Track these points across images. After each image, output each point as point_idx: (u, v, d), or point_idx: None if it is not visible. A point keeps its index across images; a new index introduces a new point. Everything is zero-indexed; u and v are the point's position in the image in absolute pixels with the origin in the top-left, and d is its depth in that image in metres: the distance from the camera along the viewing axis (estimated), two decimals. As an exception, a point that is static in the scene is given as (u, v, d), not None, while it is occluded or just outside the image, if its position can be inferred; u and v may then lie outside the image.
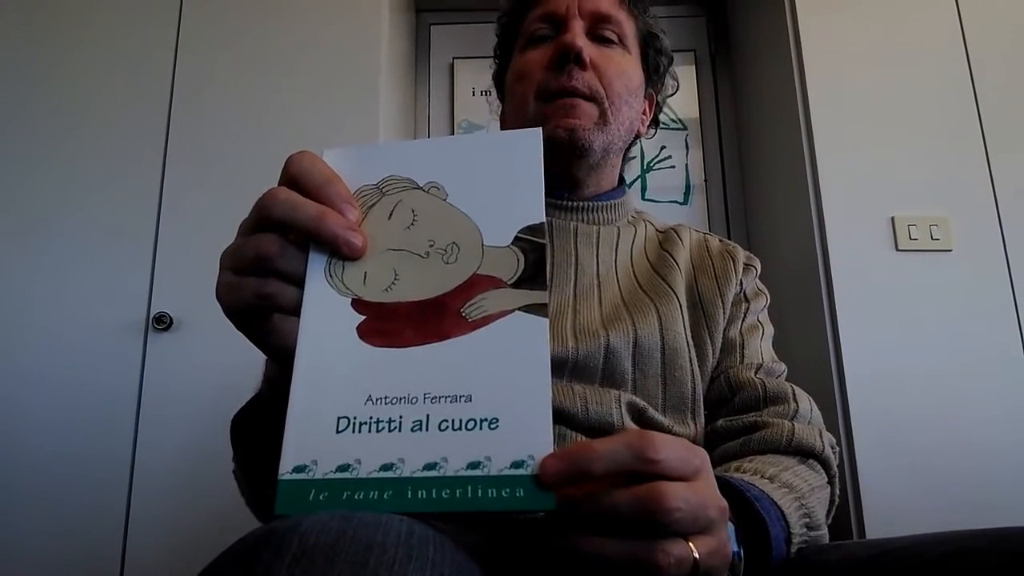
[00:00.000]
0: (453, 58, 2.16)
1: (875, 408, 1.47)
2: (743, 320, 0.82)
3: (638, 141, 0.93)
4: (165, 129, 1.64)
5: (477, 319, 0.39)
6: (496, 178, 0.43)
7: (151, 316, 1.53)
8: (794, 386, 0.76)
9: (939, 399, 1.47)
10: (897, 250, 1.57)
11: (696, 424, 0.73)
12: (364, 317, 0.40)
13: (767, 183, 1.90)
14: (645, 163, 2.04)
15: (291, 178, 0.44)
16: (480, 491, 0.34)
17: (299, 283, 0.42)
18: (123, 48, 1.69)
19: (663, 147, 2.05)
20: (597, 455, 0.36)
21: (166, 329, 1.52)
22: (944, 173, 1.60)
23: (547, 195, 0.83)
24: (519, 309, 0.39)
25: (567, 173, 0.82)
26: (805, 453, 0.67)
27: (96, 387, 1.50)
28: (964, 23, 1.69)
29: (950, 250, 1.56)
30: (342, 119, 1.65)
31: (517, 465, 0.35)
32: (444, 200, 0.43)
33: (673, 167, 2.05)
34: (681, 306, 0.78)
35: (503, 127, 0.91)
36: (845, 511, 1.45)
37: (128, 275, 1.56)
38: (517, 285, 0.40)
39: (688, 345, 0.75)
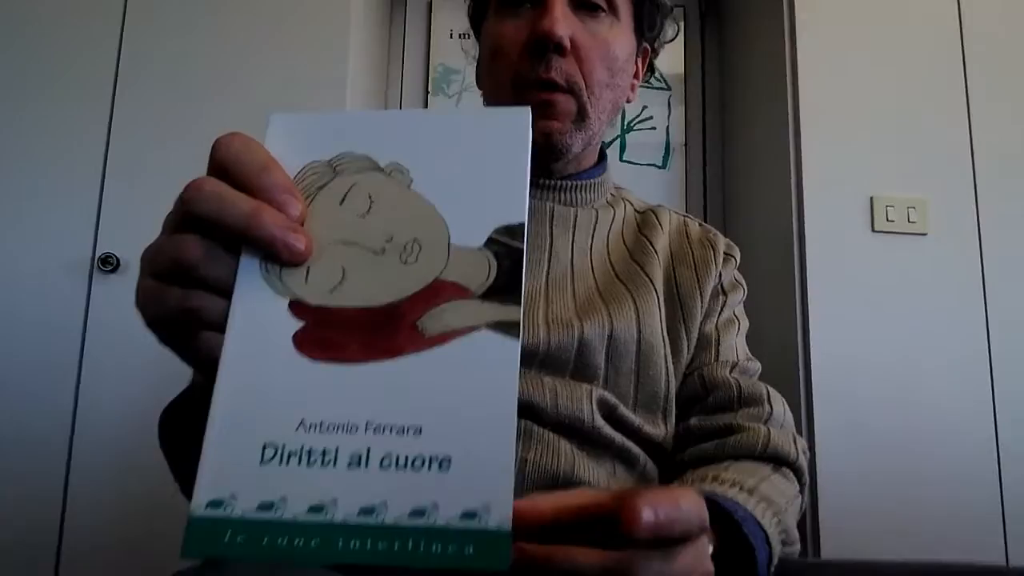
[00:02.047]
0: (431, -3, 2.04)
1: (838, 389, 1.47)
2: (720, 314, 0.78)
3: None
4: (115, 59, 1.52)
5: (436, 335, 0.33)
6: (472, 164, 0.36)
7: (96, 257, 1.44)
8: (768, 387, 0.73)
9: (903, 385, 1.47)
10: (873, 231, 1.54)
11: (667, 424, 0.70)
12: (303, 323, 0.33)
13: (748, 151, 1.86)
14: (625, 123, 1.98)
15: (220, 165, 0.35)
16: (423, 544, 0.29)
17: (229, 293, 0.34)
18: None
19: (645, 107, 1.99)
20: (575, 517, 0.31)
21: (113, 271, 1.43)
22: (927, 154, 1.57)
23: None
24: (486, 326, 0.33)
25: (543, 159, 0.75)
26: (779, 460, 0.64)
27: (37, 329, 1.43)
28: (960, 1, 1.64)
29: (925, 234, 1.54)
30: (308, 63, 1.55)
31: (469, 516, 0.29)
32: (408, 187, 0.36)
33: (654, 128, 1.98)
34: (659, 297, 0.73)
35: (479, 84, 0.83)
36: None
37: (72, 213, 1.46)
38: (486, 297, 0.34)
39: (664, 341, 0.71)
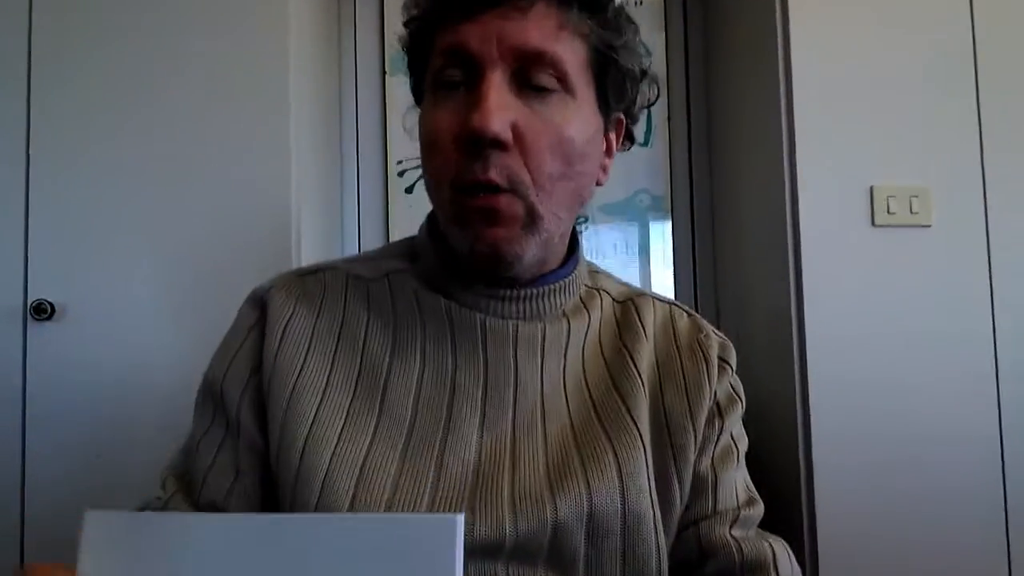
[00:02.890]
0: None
1: (836, 400, 1.38)
2: (716, 444, 0.69)
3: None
4: (26, 75, 1.35)
5: None
6: None
7: (29, 305, 1.31)
8: (773, 543, 0.65)
9: (905, 391, 1.39)
10: (873, 225, 1.42)
11: None
12: None
13: (736, 130, 1.71)
14: (603, 98, 1.82)
15: None
16: None
17: None
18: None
19: (623, 79, 1.82)
20: None
21: (48, 318, 1.31)
22: (931, 141, 1.43)
23: (478, 281, 0.66)
24: None
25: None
26: None
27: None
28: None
29: (928, 226, 1.43)
30: (241, 55, 1.37)
31: None
32: None
33: (634, 103, 1.82)
34: (644, 446, 0.64)
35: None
36: (797, 501, 1.39)
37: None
38: None
39: (652, 503, 0.62)
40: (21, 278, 1.32)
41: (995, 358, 1.41)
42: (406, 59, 0.69)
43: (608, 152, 0.70)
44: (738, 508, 0.68)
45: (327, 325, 0.66)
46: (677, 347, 0.71)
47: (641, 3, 1.82)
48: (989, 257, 1.42)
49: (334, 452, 0.59)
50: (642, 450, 0.63)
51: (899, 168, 1.43)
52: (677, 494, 0.65)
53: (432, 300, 0.66)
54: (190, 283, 1.36)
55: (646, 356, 0.69)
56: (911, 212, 1.42)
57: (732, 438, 0.71)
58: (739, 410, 0.72)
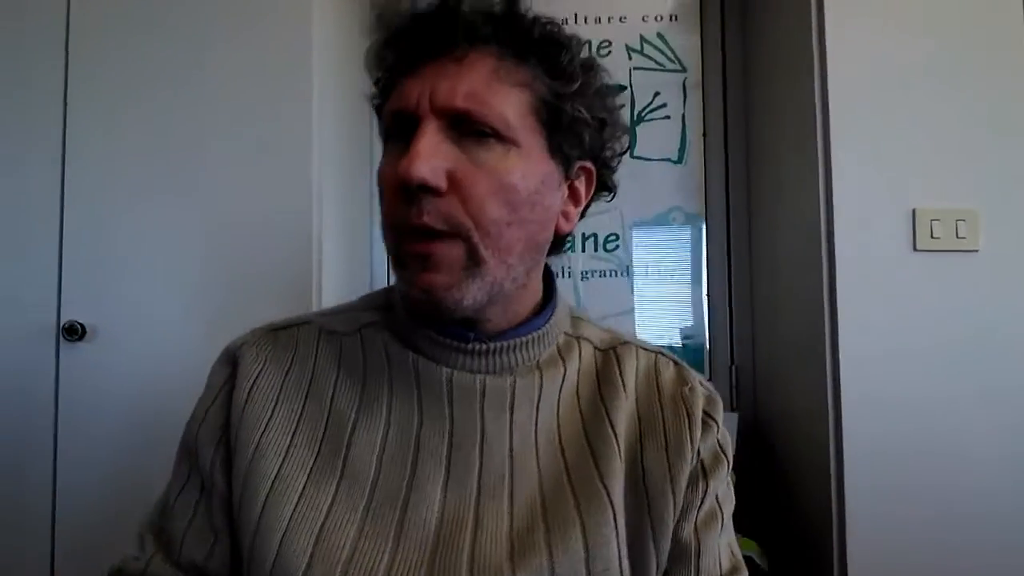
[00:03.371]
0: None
1: (872, 433, 1.31)
2: (700, 508, 0.65)
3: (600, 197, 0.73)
4: (62, 102, 1.40)
5: None
6: None
7: (61, 326, 1.36)
8: None
9: (949, 429, 1.30)
10: (915, 249, 1.34)
11: None
12: None
13: (774, 147, 1.64)
14: (635, 113, 1.78)
15: None
16: None
17: None
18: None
19: (657, 93, 1.78)
20: None
21: (79, 339, 1.36)
22: (981, 160, 1.34)
23: (444, 335, 0.64)
24: None
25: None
26: None
27: (7, 405, 1.37)
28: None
29: (976, 251, 1.33)
30: (271, 63, 1.39)
31: None
32: None
33: (668, 117, 1.78)
34: (615, 515, 0.61)
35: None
36: (828, 527, 1.32)
37: (33, 281, 1.38)
38: None
39: (622, 572, 0.60)
40: (55, 299, 1.37)
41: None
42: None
43: (575, 200, 0.68)
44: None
45: (296, 382, 0.66)
46: (660, 401, 0.68)
47: (676, 19, 1.76)
48: (1045, 283, 1.32)
49: (295, 510, 0.59)
50: (612, 520, 0.60)
51: (945, 189, 1.34)
52: (653, 562, 0.62)
53: (400, 354, 0.65)
54: (217, 303, 1.38)
55: (625, 412, 0.66)
56: (957, 236, 1.33)
57: (717, 500, 0.67)
58: (725, 469, 0.69)
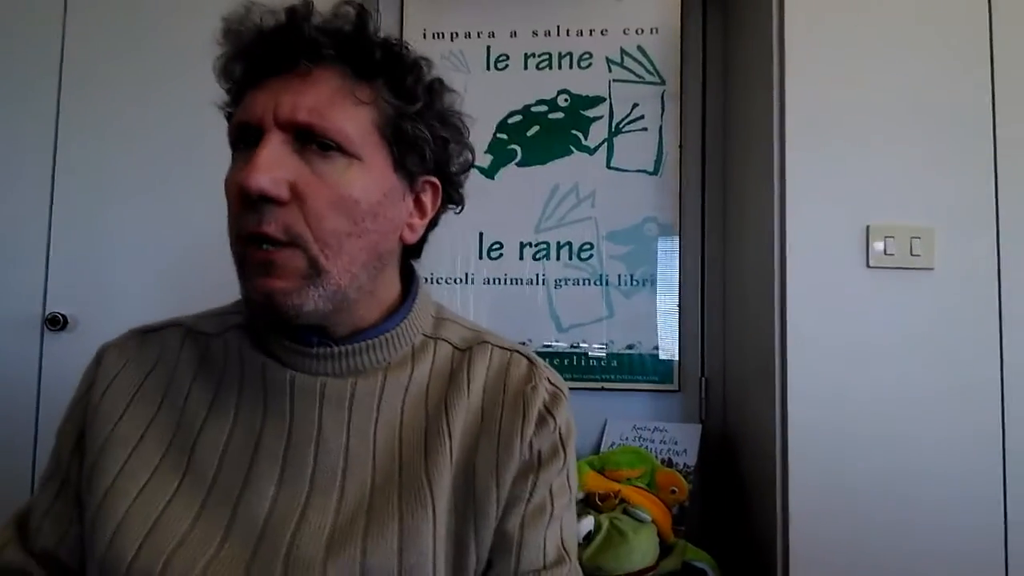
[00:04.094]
0: (405, -7, 1.89)
1: (819, 453, 1.29)
2: (527, 502, 0.67)
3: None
4: (55, 103, 1.50)
5: None
6: None
7: (44, 316, 1.46)
8: None
9: (901, 452, 1.28)
10: (868, 266, 1.33)
11: None
12: None
13: (744, 160, 1.64)
14: (613, 124, 1.79)
15: None
16: None
17: None
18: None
19: (635, 104, 1.79)
20: None
21: (61, 329, 1.45)
22: (937, 177, 1.32)
23: (292, 340, 0.68)
24: None
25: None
26: None
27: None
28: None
29: (932, 268, 1.31)
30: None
31: None
32: None
33: (645, 129, 1.79)
34: (434, 508, 0.64)
35: None
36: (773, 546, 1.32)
37: (21, 273, 1.49)
38: None
39: (435, 571, 0.62)
40: (41, 292, 1.47)
41: (1002, 411, 1.27)
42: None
43: (421, 213, 0.72)
44: (544, 568, 0.66)
45: (155, 383, 0.70)
46: (503, 399, 0.70)
47: (657, 31, 1.78)
48: (1000, 304, 1.29)
49: (132, 504, 0.63)
50: (430, 513, 0.63)
51: (900, 206, 1.33)
52: (473, 557, 0.65)
53: (252, 357, 0.69)
54: (196, 297, 1.45)
55: (465, 410, 0.69)
56: (911, 254, 1.31)
57: (550, 493, 0.69)
58: (562, 462, 0.70)
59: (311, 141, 0.62)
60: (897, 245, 1.31)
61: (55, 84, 1.51)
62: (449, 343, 0.74)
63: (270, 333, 0.69)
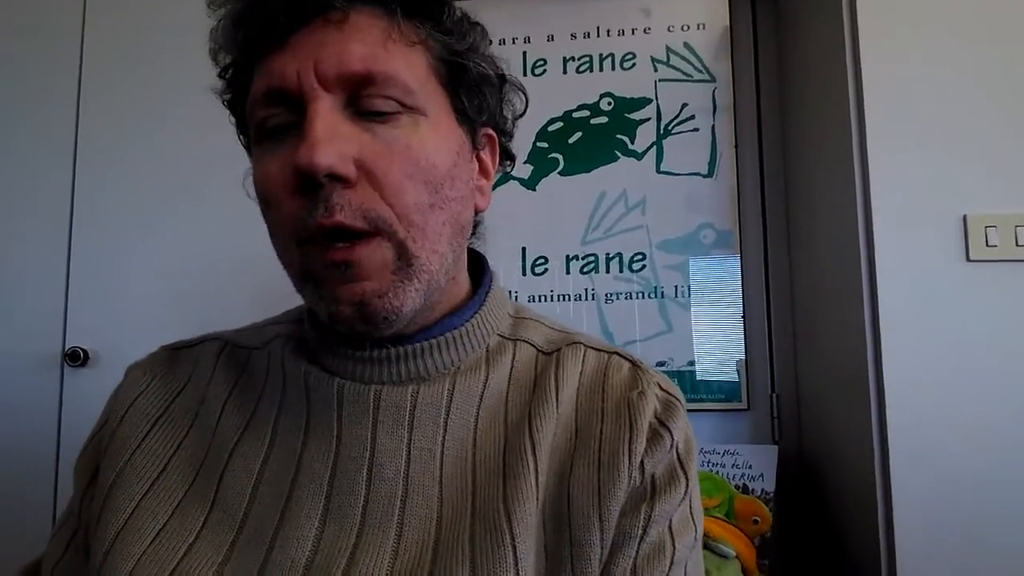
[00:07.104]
0: None
1: (924, 471, 1.15)
2: (641, 539, 0.53)
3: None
4: (73, 136, 1.41)
5: None
6: None
7: (64, 352, 1.35)
8: None
9: (1008, 463, 1.13)
10: (968, 259, 1.19)
11: None
12: None
13: (810, 155, 1.52)
14: (661, 126, 1.68)
15: None
16: None
17: None
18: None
19: (684, 104, 1.68)
20: None
21: (82, 365, 1.34)
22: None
23: (340, 342, 0.54)
24: None
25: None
26: None
27: (12, 428, 1.37)
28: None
29: (1043, 259, 1.17)
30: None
31: None
32: None
33: (696, 130, 1.67)
34: (516, 551, 0.49)
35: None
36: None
37: (40, 308, 1.39)
38: None
39: None
40: (61, 326, 1.37)
41: None
42: (232, 118, 0.61)
43: (484, 173, 0.60)
44: None
45: (184, 404, 0.59)
46: (603, 409, 0.56)
47: (704, 27, 1.67)
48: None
49: (145, 551, 0.51)
50: (511, 556, 0.49)
51: (1000, 193, 1.19)
52: None
53: (294, 366, 0.57)
54: (218, 323, 1.35)
55: (553, 425, 0.55)
56: (1016, 244, 1.17)
57: (669, 530, 0.55)
58: (683, 490, 0.55)
59: (366, 105, 0.50)
60: (1000, 235, 1.18)
61: (73, 116, 1.44)
62: (532, 344, 0.61)
63: (321, 337, 0.57)
